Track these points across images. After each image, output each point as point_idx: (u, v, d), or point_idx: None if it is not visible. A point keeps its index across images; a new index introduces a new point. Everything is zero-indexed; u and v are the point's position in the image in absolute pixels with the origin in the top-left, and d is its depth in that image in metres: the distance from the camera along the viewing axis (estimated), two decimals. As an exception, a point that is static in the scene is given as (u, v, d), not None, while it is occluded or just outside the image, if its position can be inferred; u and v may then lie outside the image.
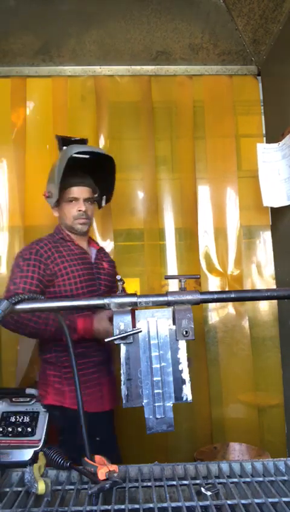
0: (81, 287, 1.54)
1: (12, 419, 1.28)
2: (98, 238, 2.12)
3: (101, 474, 0.90)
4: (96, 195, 1.66)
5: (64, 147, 1.58)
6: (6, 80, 2.18)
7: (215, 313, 2.13)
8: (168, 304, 0.94)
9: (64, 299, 1.12)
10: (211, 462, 1.04)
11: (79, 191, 1.57)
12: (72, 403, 1.44)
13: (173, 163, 2.24)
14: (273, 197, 1.91)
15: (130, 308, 0.94)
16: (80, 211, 1.57)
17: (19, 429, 1.25)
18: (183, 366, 0.95)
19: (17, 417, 1.28)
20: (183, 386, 0.94)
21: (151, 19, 1.97)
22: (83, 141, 1.64)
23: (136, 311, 0.96)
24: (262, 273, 2.17)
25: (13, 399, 1.33)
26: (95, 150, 1.62)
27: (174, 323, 0.95)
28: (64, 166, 1.49)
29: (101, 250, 1.74)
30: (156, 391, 0.93)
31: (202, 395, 2.03)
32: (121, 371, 0.94)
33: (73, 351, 0.99)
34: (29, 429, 1.25)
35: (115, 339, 0.93)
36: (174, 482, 0.94)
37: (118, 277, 1.01)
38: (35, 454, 1.15)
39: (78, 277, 1.54)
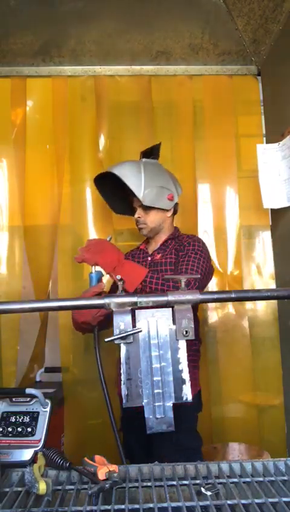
0: None
1: (12, 419, 1.27)
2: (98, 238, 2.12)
3: (101, 474, 0.90)
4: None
5: (144, 159, 1.75)
6: (6, 80, 2.18)
7: (215, 313, 2.13)
8: (168, 303, 0.94)
9: (64, 299, 1.12)
10: (211, 462, 1.04)
11: (134, 201, 1.69)
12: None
13: (172, 163, 2.23)
14: (273, 198, 1.91)
15: (130, 308, 0.94)
16: (136, 218, 1.71)
17: (19, 429, 1.25)
18: (183, 366, 0.95)
19: (17, 417, 1.28)
20: (183, 386, 0.94)
21: (151, 19, 1.97)
22: (152, 148, 1.78)
23: (136, 311, 0.96)
24: (262, 273, 2.17)
25: (13, 399, 1.33)
26: (108, 170, 1.69)
27: (174, 323, 0.95)
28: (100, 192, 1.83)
29: (165, 245, 1.71)
30: (156, 391, 0.93)
31: (202, 395, 2.03)
32: (121, 371, 0.94)
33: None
34: (29, 429, 1.25)
35: (115, 339, 0.93)
36: (174, 482, 0.94)
37: (118, 277, 1.01)
38: (35, 454, 1.15)
39: None
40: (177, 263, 1.60)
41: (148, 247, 1.78)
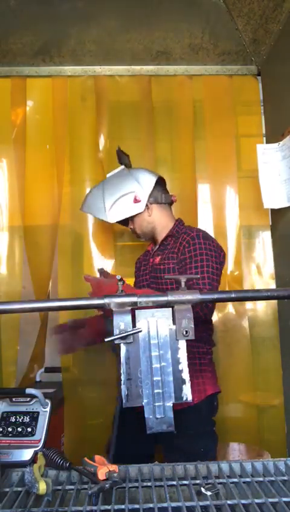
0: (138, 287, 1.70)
1: (12, 419, 1.28)
2: (98, 238, 2.12)
3: (101, 474, 0.90)
4: None
5: (122, 166, 1.75)
6: (6, 80, 2.18)
7: (215, 313, 2.13)
8: (168, 303, 0.94)
9: (64, 299, 1.12)
10: (211, 462, 1.04)
11: None
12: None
13: (173, 163, 2.24)
14: (273, 198, 1.91)
15: (130, 307, 0.94)
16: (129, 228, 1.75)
17: (19, 429, 1.25)
18: (183, 366, 0.95)
19: (17, 417, 1.28)
20: (183, 386, 0.94)
21: (151, 19, 1.96)
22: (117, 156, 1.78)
23: (136, 311, 0.96)
24: (262, 273, 2.17)
25: (13, 399, 1.33)
26: (80, 210, 1.75)
27: (174, 323, 0.95)
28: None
29: (164, 244, 1.66)
30: (156, 391, 0.93)
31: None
32: (121, 371, 0.94)
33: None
34: (29, 429, 1.25)
35: (115, 339, 0.93)
36: (174, 482, 0.94)
37: (118, 277, 1.01)
38: (35, 454, 1.15)
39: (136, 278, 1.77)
40: (179, 263, 1.54)
41: (153, 248, 1.75)
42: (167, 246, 1.64)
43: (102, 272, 1.56)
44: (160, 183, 1.70)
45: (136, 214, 1.64)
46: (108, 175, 1.76)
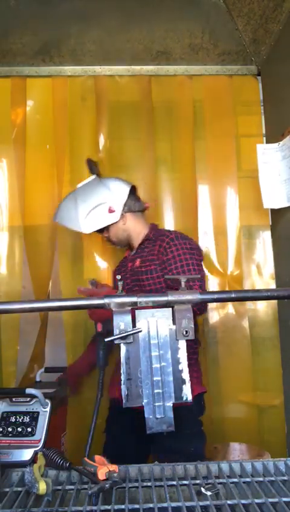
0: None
1: (12, 419, 1.28)
2: (98, 238, 2.12)
3: (101, 474, 0.90)
4: None
5: (93, 175, 1.76)
6: (6, 80, 2.18)
7: (216, 313, 2.13)
8: (168, 303, 0.94)
9: (64, 299, 1.12)
10: (211, 462, 1.04)
11: None
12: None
13: (172, 163, 2.23)
14: (273, 198, 1.91)
15: (130, 307, 0.94)
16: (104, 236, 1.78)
17: (19, 429, 1.25)
18: (183, 365, 0.95)
19: (17, 417, 1.28)
20: (183, 386, 0.94)
21: (151, 19, 1.97)
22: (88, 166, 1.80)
23: (136, 311, 0.96)
24: (262, 273, 2.17)
25: (13, 399, 1.33)
26: (54, 220, 1.78)
27: (174, 323, 0.95)
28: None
29: (141, 247, 1.69)
30: (156, 391, 0.93)
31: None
32: (121, 371, 0.94)
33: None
34: (29, 429, 1.25)
35: (115, 339, 0.93)
36: (174, 482, 0.94)
37: (118, 277, 1.01)
38: (35, 454, 1.15)
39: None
40: (161, 264, 1.56)
41: (130, 253, 1.78)
42: (144, 249, 1.66)
43: (93, 283, 1.59)
44: (133, 191, 1.73)
45: (111, 224, 1.67)
46: (79, 185, 1.77)
